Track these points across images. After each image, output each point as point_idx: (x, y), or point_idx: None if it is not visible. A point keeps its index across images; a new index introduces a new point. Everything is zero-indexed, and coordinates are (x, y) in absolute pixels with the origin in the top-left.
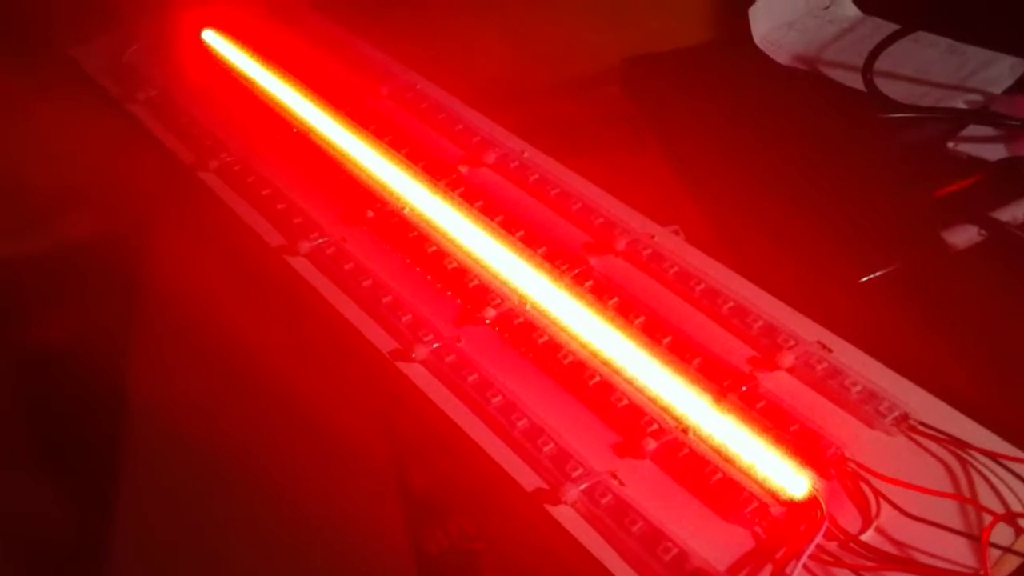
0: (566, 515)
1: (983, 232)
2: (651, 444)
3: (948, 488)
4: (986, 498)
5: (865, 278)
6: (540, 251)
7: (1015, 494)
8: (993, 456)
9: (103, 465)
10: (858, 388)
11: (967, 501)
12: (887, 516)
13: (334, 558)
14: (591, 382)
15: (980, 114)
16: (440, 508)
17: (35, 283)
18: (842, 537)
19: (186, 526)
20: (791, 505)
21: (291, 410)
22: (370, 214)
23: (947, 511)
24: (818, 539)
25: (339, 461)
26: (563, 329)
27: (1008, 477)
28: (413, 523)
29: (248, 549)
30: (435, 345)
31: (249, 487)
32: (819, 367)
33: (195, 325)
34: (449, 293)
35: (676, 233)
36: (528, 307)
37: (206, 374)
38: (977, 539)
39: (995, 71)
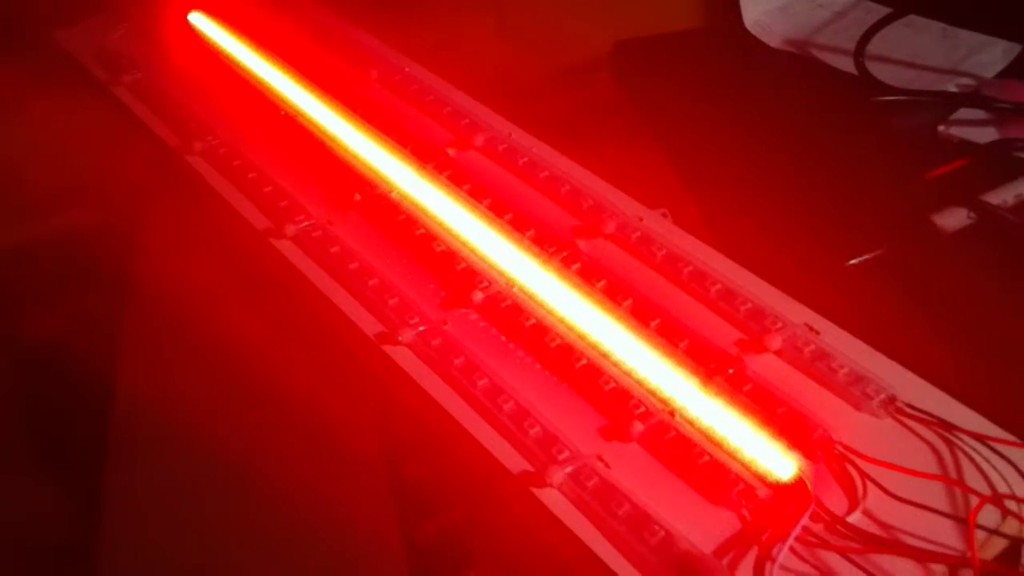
0: (552, 498)
1: (972, 215)
2: (638, 427)
3: (935, 470)
4: (973, 480)
5: (854, 261)
6: (528, 234)
7: (1002, 476)
8: (980, 438)
9: (93, 460)
10: (845, 370)
11: (954, 483)
12: (874, 498)
13: (324, 552)
14: (578, 365)
15: (971, 98)
16: (429, 499)
17: (24, 276)
18: (829, 519)
19: (175, 519)
20: (778, 487)
21: (280, 402)
22: (357, 197)
23: (934, 493)
24: (805, 521)
25: (329, 454)
26: (550, 312)
27: (995, 459)
28: (403, 515)
29: (238, 542)
30: (421, 328)
31: (238, 480)
32: (806, 350)
33: (184, 316)
34: (436, 276)
35: (664, 216)
36: (515, 290)
37: (194, 366)
38: (964, 521)
39: (987, 55)
